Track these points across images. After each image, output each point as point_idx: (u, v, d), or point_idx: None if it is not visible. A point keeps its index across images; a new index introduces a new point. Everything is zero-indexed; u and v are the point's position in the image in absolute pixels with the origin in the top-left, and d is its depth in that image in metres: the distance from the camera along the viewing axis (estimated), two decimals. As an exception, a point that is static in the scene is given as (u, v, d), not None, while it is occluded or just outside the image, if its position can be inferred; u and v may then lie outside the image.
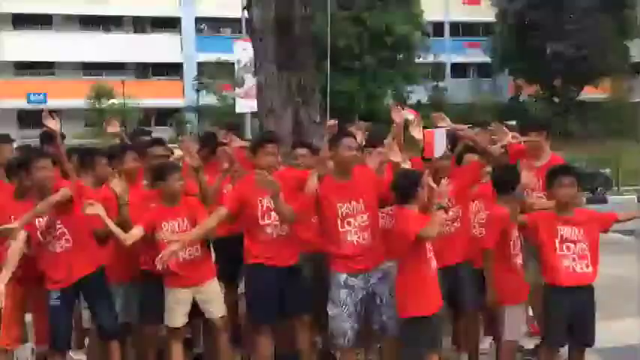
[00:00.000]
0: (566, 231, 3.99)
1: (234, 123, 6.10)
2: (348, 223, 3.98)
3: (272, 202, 3.95)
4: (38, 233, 4.00)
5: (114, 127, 5.37)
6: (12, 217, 3.95)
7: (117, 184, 4.28)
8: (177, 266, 4.07)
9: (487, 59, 34.14)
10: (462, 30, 38.17)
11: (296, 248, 4.24)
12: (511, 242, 4.19)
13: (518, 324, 4.27)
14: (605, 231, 4.12)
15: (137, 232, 4.05)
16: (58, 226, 4.01)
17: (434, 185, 3.87)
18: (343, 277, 3.98)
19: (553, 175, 4.06)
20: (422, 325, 3.77)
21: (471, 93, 33.65)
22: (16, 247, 3.86)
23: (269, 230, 4.12)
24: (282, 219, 4.07)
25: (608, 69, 30.62)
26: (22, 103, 31.72)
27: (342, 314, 3.97)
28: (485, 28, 35.49)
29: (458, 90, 33.85)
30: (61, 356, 4.03)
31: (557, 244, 3.97)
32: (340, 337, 4.01)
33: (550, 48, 30.29)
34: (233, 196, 4.18)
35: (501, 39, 32.39)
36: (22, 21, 33.05)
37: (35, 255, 4.07)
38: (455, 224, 4.33)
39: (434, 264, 3.84)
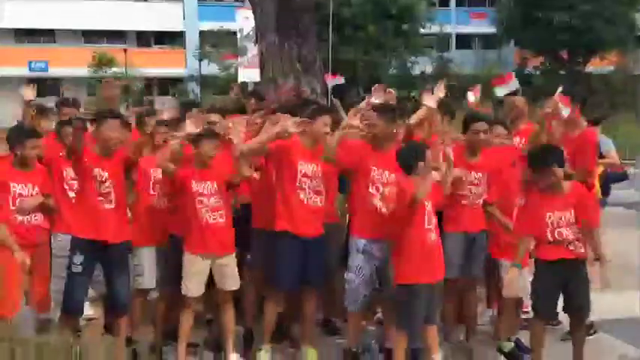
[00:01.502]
0: None
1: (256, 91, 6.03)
2: (377, 189, 4.05)
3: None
4: (97, 184, 4.00)
5: (112, 90, 5.31)
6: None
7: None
8: (202, 232, 4.08)
9: (493, 30, 33.71)
10: (468, 0, 37.64)
11: (321, 219, 4.27)
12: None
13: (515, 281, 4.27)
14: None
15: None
16: (111, 182, 4.02)
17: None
18: (363, 242, 4.06)
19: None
20: (413, 293, 3.81)
21: (477, 64, 33.30)
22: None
23: (302, 196, 4.13)
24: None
25: (614, 41, 30.24)
26: (23, 71, 31.53)
27: (356, 279, 4.09)
28: (491, -1, 35.01)
29: (463, 61, 33.51)
30: (76, 321, 4.04)
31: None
32: (352, 302, 4.13)
33: (556, 19, 29.87)
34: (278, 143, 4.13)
35: (507, 9, 31.94)
36: (22, -13, 32.67)
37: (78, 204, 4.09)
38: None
39: (432, 236, 3.85)
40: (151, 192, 4.40)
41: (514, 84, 4.47)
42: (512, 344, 4.47)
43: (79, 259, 3.98)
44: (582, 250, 4.00)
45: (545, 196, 4.00)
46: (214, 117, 4.56)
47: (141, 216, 4.36)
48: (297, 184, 4.14)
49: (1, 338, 2.81)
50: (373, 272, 4.11)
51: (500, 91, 4.59)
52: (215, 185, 4.14)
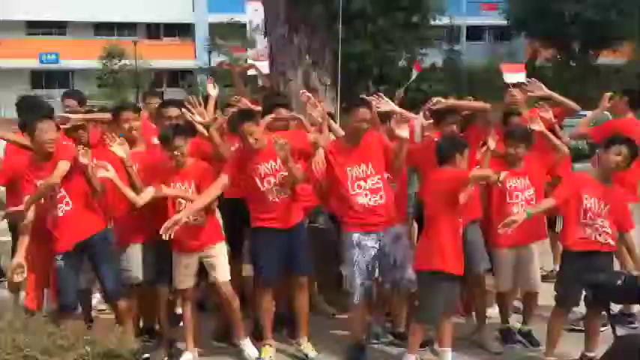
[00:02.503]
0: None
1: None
2: (359, 186, 4.06)
3: (283, 163, 4.02)
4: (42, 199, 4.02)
5: None
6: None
7: (118, 148, 4.23)
8: (181, 231, 4.10)
9: (504, 22, 33.46)
10: (479, -9, 37.37)
11: (298, 209, 4.30)
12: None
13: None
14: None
15: (149, 193, 4.10)
16: (59, 191, 4.01)
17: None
18: (355, 236, 4.10)
19: None
20: (442, 281, 3.89)
21: (487, 56, 33.09)
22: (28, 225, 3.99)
23: (270, 197, 4.17)
24: (292, 179, 4.12)
25: (627, 32, 29.93)
26: (34, 63, 31.72)
27: (354, 273, 4.13)
28: (502, -11, 34.70)
29: (473, 53, 33.31)
30: (69, 317, 3.99)
31: None
32: (352, 294, 4.16)
33: (568, 10, 29.59)
34: (232, 163, 4.22)
35: (518, 1, 31.67)
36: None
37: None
38: None
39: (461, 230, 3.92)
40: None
41: (521, 77, 4.48)
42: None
43: (59, 255, 4.03)
44: (612, 243, 3.99)
45: (588, 180, 4.02)
46: (173, 111, 4.50)
47: (126, 213, 4.32)
48: (260, 183, 4.17)
49: (17, 329, 2.86)
50: (369, 263, 4.14)
51: (508, 77, 4.61)
52: (192, 187, 4.16)
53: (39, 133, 3.92)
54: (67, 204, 4.03)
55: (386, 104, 4.43)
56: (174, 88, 30.49)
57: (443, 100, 4.31)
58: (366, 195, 4.10)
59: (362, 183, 4.10)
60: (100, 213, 4.19)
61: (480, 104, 4.39)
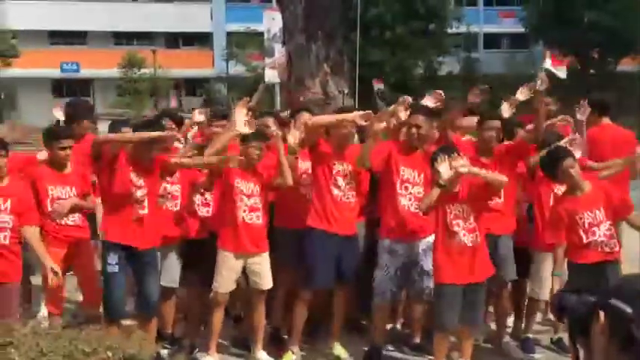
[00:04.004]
0: None
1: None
2: (405, 189, 4.15)
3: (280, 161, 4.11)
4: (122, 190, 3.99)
5: None
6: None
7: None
8: (236, 228, 4.14)
9: (522, 29, 33.29)
10: (497, -1, 37.26)
11: (356, 217, 4.38)
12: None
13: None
14: None
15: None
16: (145, 189, 4.02)
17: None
18: (387, 242, 4.18)
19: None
20: (441, 292, 3.93)
21: (505, 64, 32.92)
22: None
23: (336, 192, 4.23)
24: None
25: (647, 40, 29.59)
26: (55, 72, 32.22)
27: (383, 276, 4.19)
28: (520, -3, 34.56)
29: (491, 61, 33.17)
30: (117, 325, 3.98)
31: None
32: (379, 295, 4.23)
33: (587, 17, 29.36)
34: (322, 148, 4.25)
35: (536, 8, 31.50)
36: (55, -10, 33.39)
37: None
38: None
39: (460, 237, 3.86)
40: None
41: (562, 72, 4.42)
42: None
43: (113, 259, 4.01)
44: (617, 249, 3.95)
45: (569, 197, 3.97)
46: (269, 121, 4.60)
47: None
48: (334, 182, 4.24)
49: (40, 334, 2.90)
50: (398, 270, 4.19)
51: (547, 64, 4.54)
52: (258, 187, 4.20)
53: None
54: (143, 207, 4.04)
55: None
56: (192, 97, 30.76)
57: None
58: (409, 199, 4.14)
59: (409, 186, 4.16)
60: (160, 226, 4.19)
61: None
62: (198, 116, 4.79)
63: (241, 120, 4.02)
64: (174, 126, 4.61)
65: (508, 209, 4.38)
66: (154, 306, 4.15)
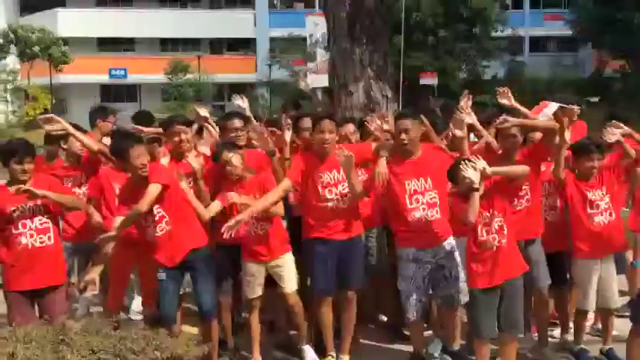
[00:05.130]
0: None
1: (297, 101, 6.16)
2: (417, 200, 4.04)
3: (346, 175, 4.05)
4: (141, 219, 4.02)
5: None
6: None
7: (194, 160, 4.34)
8: (250, 241, 4.18)
9: (568, 32, 32.54)
10: (543, 2, 36.50)
11: (357, 222, 4.30)
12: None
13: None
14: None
15: (216, 206, 4.20)
16: (157, 211, 4.01)
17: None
18: (412, 251, 4.08)
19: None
20: (474, 298, 3.90)
21: (551, 68, 32.23)
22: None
23: (330, 204, 4.19)
24: (353, 192, 4.13)
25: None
26: (104, 78, 33.13)
27: (410, 288, 4.10)
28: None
29: (537, 65, 32.52)
30: (169, 329, 3.92)
31: None
32: (409, 311, 4.14)
33: (636, 19, 28.45)
34: (296, 168, 4.26)
35: (584, 10, 30.73)
36: (104, -1, 34.44)
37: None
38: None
39: (489, 240, 3.82)
40: None
41: (552, 107, 4.31)
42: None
43: (162, 267, 4.08)
44: None
45: None
46: (237, 123, 4.59)
47: None
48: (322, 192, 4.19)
49: (91, 332, 2.98)
50: (425, 277, 4.11)
51: (543, 116, 4.43)
52: (257, 197, 4.18)
53: (132, 159, 3.93)
54: (167, 223, 4.01)
55: (468, 115, 4.33)
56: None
57: (510, 119, 4.18)
58: (423, 209, 4.07)
59: (419, 197, 4.07)
60: (202, 229, 4.18)
61: (548, 123, 4.24)
62: (204, 112, 4.88)
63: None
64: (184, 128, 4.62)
65: (535, 212, 4.29)
66: (209, 312, 4.16)
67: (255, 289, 4.30)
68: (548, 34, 35.80)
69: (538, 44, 36.22)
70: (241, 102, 5.08)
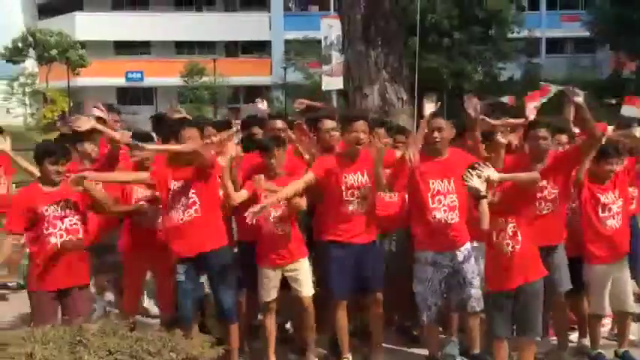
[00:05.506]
0: None
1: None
2: (439, 201, 4.05)
3: (375, 164, 4.05)
4: (170, 196, 4.03)
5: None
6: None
7: (232, 148, 4.30)
8: (266, 245, 4.18)
9: (586, 33, 32.25)
10: (560, 3, 36.21)
11: (374, 226, 4.29)
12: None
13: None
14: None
15: (244, 194, 4.18)
16: (191, 194, 4.01)
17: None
18: (430, 254, 4.07)
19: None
20: (490, 301, 3.89)
21: (569, 69, 31.95)
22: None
23: (350, 207, 4.17)
24: (377, 183, 4.14)
25: None
26: (121, 81, 33.43)
27: (426, 291, 4.10)
28: (584, 0, 33.49)
29: (553, 66, 32.26)
30: (187, 330, 3.92)
31: None
32: (425, 313, 4.14)
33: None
34: (321, 164, 4.25)
35: (601, 11, 30.43)
36: (120, 2, 34.69)
37: (162, 224, 4.18)
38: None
39: (502, 244, 3.80)
40: None
41: (552, 89, 4.31)
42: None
43: (182, 268, 4.08)
44: None
45: None
46: (279, 124, 4.64)
47: None
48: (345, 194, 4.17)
49: (108, 333, 3.00)
50: (442, 281, 4.11)
51: (626, 111, 4.44)
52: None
53: (183, 140, 4.00)
54: (195, 211, 4.00)
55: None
56: (251, 104, 31.25)
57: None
58: (444, 211, 4.07)
59: (442, 198, 4.08)
60: (224, 229, 4.17)
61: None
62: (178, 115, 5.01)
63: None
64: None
65: (559, 217, 4.26)
66: (229, 314, 4.17)
67: (271, 292, 4.29)
68: (565, 35, 35.50)
69: (555, 46, 35.92)
70: (262, 105, 5.14)
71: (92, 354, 2.87)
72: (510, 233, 3.77)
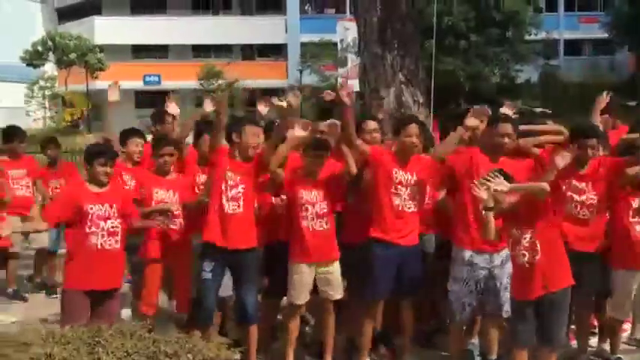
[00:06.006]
0: None
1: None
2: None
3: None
4: (224, 187, 4.09)
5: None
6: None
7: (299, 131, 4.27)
8: (305, 237, 4.16)
9: (604, 35, 31.89)
10: (578, 4, 35.86)
11: (417, 229, 4.30)
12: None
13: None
14: None
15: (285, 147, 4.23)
16: (242, 188, 4.08)
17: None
18: (468, 254, 4.05)
19: None
20: (515, 309, 3.85)
21: (587, 71, 31.60)
22: None
23: (397, 201, 4.17)
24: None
25: None
26: (138, 84, 33.71)
27: (462, 290, 4.08)
28: (603, 2, 33.14)
29: (572, 68, 31.94)
30: (204, 330, 4.01)
31: None
32: (457, 312, 4.12)
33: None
34: (378, 149, 4.29)
35: (620, 12, 30.07)
36: (138, 6, 35.02)
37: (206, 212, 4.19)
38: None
39: (520, 256, 3.75)
40: None
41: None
42: None
43: (209, 266, 4.10)
44: None
45: None
46: (324, 126, 4.61)
47: None
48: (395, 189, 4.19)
49: (125, 335, 3.03)
50: (479, 283, 4.09)
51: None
52: (322, 193, 4.20)
53: (245, 136, 4.09)
54: (239, 206, 4.08)
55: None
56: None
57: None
58: None
59: None
60: (256, 231, 4.20)
61: (555, 128, 4.30)
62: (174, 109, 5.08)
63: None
64: None
65: (597, 226, 4.23)
66: (251, 315, 4.17)
67: (303, 295, 4.25)
68: (583, 37, 35.14)
69: (573, 47, 35.56)
70: (262, 107, 5.01)
71: (110, 355, 2.90)
72: (527, 244, 3.70)
